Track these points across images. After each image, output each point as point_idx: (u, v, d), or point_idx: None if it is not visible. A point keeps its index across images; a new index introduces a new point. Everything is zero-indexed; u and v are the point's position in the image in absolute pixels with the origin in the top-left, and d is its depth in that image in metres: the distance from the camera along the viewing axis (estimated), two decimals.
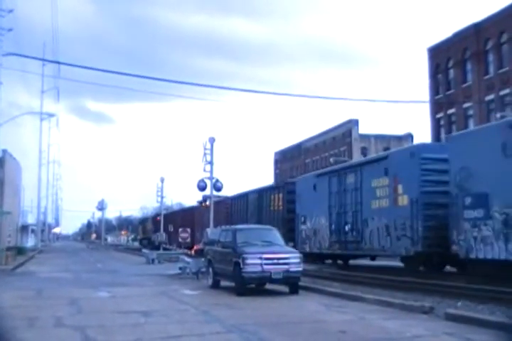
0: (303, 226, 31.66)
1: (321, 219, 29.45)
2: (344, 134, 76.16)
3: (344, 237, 27.25)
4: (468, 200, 19.32)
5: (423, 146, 24.23)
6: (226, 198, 44.53)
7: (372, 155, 59.20)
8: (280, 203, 35.06)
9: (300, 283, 18.93)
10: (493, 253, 18.13)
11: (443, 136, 46.95)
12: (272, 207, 36.14)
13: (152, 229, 76.25)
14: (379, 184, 24.47)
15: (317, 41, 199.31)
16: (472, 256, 19.10)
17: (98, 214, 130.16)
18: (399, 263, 24.93)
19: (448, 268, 23.04)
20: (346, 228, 27.12)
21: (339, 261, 30.19)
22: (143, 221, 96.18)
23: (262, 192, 38.96)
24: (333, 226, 28.37)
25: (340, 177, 28.02)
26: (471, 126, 45.65)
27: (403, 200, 22.75)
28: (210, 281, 21.34)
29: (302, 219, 31.66)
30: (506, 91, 44.28)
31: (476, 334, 10.61)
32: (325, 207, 28.77)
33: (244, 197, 41.92)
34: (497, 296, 14.56)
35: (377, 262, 30.00)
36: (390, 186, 23.74)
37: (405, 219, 22.50)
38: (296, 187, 33.03)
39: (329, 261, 30.73)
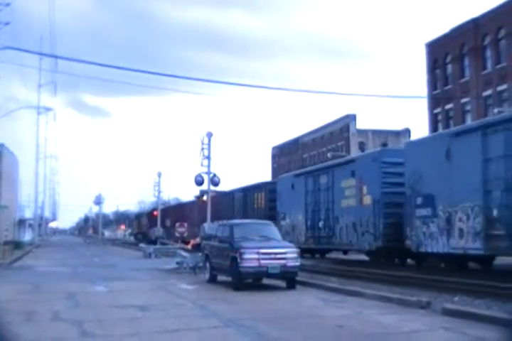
0: (283, 223, 33.25)
1: (299, 216, 31.32)
2: (342, 129, 76.09)
3: (318, 233, 29.41)
4: (419, 200, 21.56)
5: (384, 151, 26.61)
6: (216, 194, 44.80)
7: (369, 150, 59.26)
8: (263, 201, 37.56)
9: (297, 278, 18.93)
10: (438, 247, 20.44)
11: (441, 131, 46.94)
12: (256, 204, 38.76)
13: (147, 224, 77.71)
14: (347, 185, 26.69)
15: (315, 36, 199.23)
16: (422, 249, 21.43)
17: (95, 209, 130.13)
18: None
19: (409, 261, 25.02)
20: (320, 224, 29.22)
21: (317, 255, 32.15)
22: (138, 216, 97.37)
23: (246, 191, 41.44)
24: (308, 223, 30.43)
25: (315, 177, 30.16)
26: (469, 121, 45.67)
27: (367, 200, 24.98)
28: (207, 276, 21.35)
29: (282, 215, 33.59)
30: (504, 86, 44.29)
31: (473, 328, 10.63)
32: (302, 205, 30.79)
33: (230, 194, 43.54)
34: (494, 291, 14.61)
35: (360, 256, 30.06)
36: (356, 187, 25.92)
37: (369, 217, 24.68)
38: (277, 187, 35.17)
39: (308, 255, 31.23)
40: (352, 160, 27.80)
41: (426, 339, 10.19)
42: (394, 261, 25.21)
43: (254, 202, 39.33)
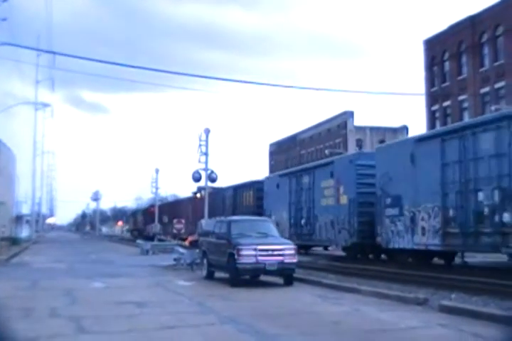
0: None
1: (283, 214, 32.91)
2: (339, 126, 76.09)
3: (300, 230, 31.08)
4: (388, 201, 23.52)
5: (359, 154, 29.03)
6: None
7: (367, 147, 59.39)
8: (251, 199, 39.38)
9: (295, 275, 18.96)
10: (404, 243, 22.45)
11: (438, 128, 46.98)
12: (245, 202, 40.50)
13: (142, 220, 79.20)
14: (327, 185, 28.48)
15: (313, 32, 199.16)
16: (391, 246, 23.44)
17: (93, 205, 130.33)
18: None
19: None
20: (302, 222, 31.07)
21: (301, 251, 32.53)
22: (134, 213, 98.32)
23: (236, 189, 43.10)
24: (292, 220, 32.24)
25: (298, 178, 32.04)
26: (466, 118, 45.71)
27: (344, 199, 26.83)
28: (204, 272, 21.37)
29: (268, 213, 34.63)
30: (501, 84, 44.34)
31: (470, 325, 10.65)
32: (286, 204, 32.63)
33: (221, 192, 44.50)
34: (491, 288, 14.65)
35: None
36: (334, 187, 27.72)
37: (345, 216, 26.59)
38: (264, 186, 37.04)
39: None
40: (331, 162, 29.49)
41: (423, 336, 10.19)
42: (368, 256, 27.20)
43: (243, 200, 41.22)
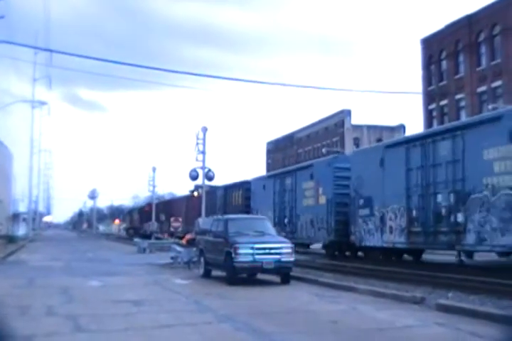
0: None
1: (268, 213, 33.57)
2: (337, 124, 76.14)
3: (283, 228, 32.07)
4: (361, 202, 25.27)
5: (336, 158, 30.55)
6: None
7: (364, 145, 59.47)
8: (240, 199, 41.16)
9: (292, 273, 18.97)
10: (375, 241, 24.24)
11: (435, 126, 47.02)
12: (234, 202, 42.17)
13: (138, 219, 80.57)
14: (307, 186, 30.28)
15: (310, 31, 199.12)
16: (363, 244, 25.21)
17: (90, 203, 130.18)
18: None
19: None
20: (285, 221, 32.84)
21: None
22: (130, 211, 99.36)
23: (227, 189, 44.80)
24: (276, 219, 33.37)
25: (282, 179, 34.03)
26: (463, 117, 45.76)
27: (322, 200, 28.56)
28: (201, 271, 21.37)
29: (255, 212, 35.92)
30: (498, 83, 44.39)
31: (467, 324, 10.66)
32: (271, 203, 34.38)
33: (213, 192, 45.53)
34: (488, 287, 14.66)
35: None
36: (314, 188, 29.51)
37: (323, 215, 28.27)
38: (251, 186, 38.89)
39: None
40: (311, 165, 31.64)
41: (420, 335, 10.19)
42: (345, 253, 28.65)
43: (232, 200, 43.04)
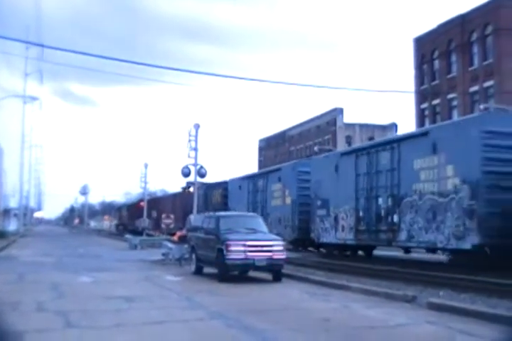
0: None
1: (243, 211, 34.57)
2: (329, 123, 76.13)
3: None
4: (319, 203, 27.95)
5: (300, 163, 33.38)
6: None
7: (356, 144, 59.60)
8: (219, 197, 43.51)
9: (283, 271, 18.99)
10: (330, 238, 26.99)
11: (427, 126, 47.11)
12: (214, 200, 44.22)
13: (127, 215, 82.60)
14: (276, 188, 33.29)
15: (303, 29, 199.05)
16: (321, 240, 28.01)
17: (81, 199, 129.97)
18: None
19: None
20: None
21: None
22: (120, 208, 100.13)
23: (208, 188, 46.65)
24: None
25: (255, 181, 36.88)
26: (455, 116, 45.85)
27: (288, 200, 31.50)
28: (193, 267, 21.37)
29: (231, 210, 36.92)
30: (490, 83, 44.50)
31: (458, 322, 10.70)
32: (245, 202, 36.86)
33: (200, 189, 47.01)
34: (477, 285, 14.72)
35: None
36: (281, 190, 32.49)
37: (289, 214, 31.15)
38: (229, 186, 41.66)
39: None
40: (279, 169, 34.58)
41: (411, 333, 10.22)
42: (308, 249, 31.17)
43: (212, 198, 45.01)
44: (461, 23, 47.42)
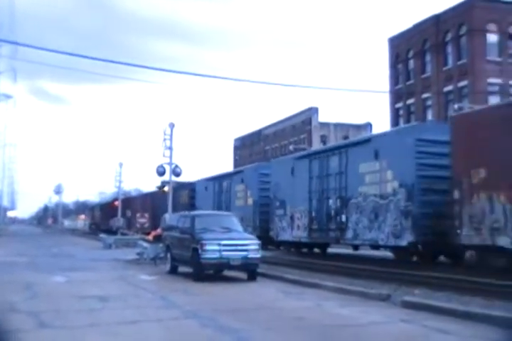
0: None
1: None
2: (304, 122, 76.28)
3: None
4: (277, 203, 29.65)
5: (260, 165, 35.64)
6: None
7: (331, 143, 59.79)
8: (186, 198, 44.98)
9: (258, 270, 18.98)
10: (287, 236, 28.67)
11: (402, 125, 47.43)
12: (182, 200, 45.26)
13: (100, 215, 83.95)
14: (239, 189, 34.86)
15: (277, 28, 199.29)
16: (279, 238, 29.55)
17: (55, 198, 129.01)
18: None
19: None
20: None
21: None
22: (92, 207, 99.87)
23: (176, 188, 47.43)
24: None
25: (220, 182, 38.50)
26: (430, 116, 46.26)
27: (250, 201, 33.12)
28: (167, 267, 21.29)
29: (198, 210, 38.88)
30: (464, 82, 44.88)
31: (432, 321, 10.75)
32: (211, 203, 38.35)
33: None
34: (451, 284, 14.81)
35: None
36: (244, 191, 34.12)
37: (250, 214, 32.51)
38: (196, 187, 43.29)
39: None
40: (242, 171, 36.65)
41: (385, 331, 10.25)
42: (267, 246, 31.15)
43: (180, 198, 45.71)
44: (436, 23, 47.78)
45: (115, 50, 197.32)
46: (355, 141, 25.74)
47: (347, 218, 23.39)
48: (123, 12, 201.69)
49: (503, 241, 16.28)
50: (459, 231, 17.80)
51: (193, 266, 18.77)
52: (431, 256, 20.72)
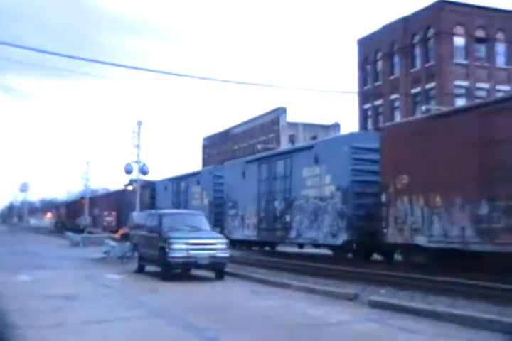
0: None
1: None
2: (272, 121, 76.46)
3: None
4: (230, 204, 31.51)
5: (215, 168, 36.79)
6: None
7: (300, 143, 60.06)
8: (147, 197, 45.40)
9: (226, 269, 18.98)
10: (238, 235, 30.09)
11: (370, 126, 47.81)
12: (144, 200, 44.97)
13: (65, 213, 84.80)
14: (195, 190, 36.75)
15: (251, 28, 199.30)
16: (231, 237, 29.40)
17: (21, 196, 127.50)
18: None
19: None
20: None
21: None
22: (59, 206, 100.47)
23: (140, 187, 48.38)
24: None
25: (178, 183, 40.29)
26: (398, 117, 46.64)
27: (206, 201, 35.08)
28: (135, 266, 21.19)
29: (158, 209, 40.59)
30: (432, 84, 45.36)
31: (398, 319, 10.85)
32: (170, 203, 39.85)
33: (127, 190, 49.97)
34: (416, 283, 14.99)
35: None
36: (200, 192, 36.07)
37: (206, 214, 31.81)
38: (156, 187, 44.83)
39: None
40: (198, 172, 38.40)
41: (352, 331, 10.31)
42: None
43: (143, 198, 46.46)
44: (404, 26, 48.20)
45: (82, 46, 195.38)
46: (298, 147, 28.41)
47: (291, 218, 25.17)
48: (93, 9, 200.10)
49: (420, 240, 18.01)
50: (385, 231, 19.47)
51: (161, 264, 18.70)
52: (365, 254, 22.51)
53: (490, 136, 15.77)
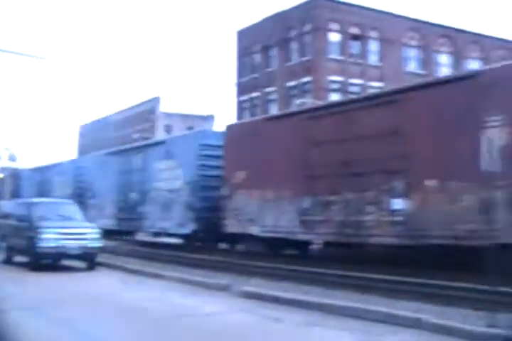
0: None
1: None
2: (149, 111, 75.71)
3: None
4: (92, 194, 32.01)
5: (78, 159, 40.02)
6: None
7: (176, 133, 59.79)
8: (11, 185, 46.06)
9: (99, 260, 18.66)
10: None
11: (246, 118, 48.14)
12: (9, 188, 46.37)
13: None
14: (58, 180, 37.13)
15: (129, 22, 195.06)
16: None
17: None
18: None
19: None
20: None
21: None
22: None
23: (5, 177, 50.00)
24: None
25: (42, 172, 40.59)
26: (273, 110, 47.20)
27: (68, 191, 34.70)
28: (2, 256, 20.40)
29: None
30: (308, 78, 46.15)
31: (270, 309, 11.02)
32: (34, 191, 39.53)
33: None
34: (290, 274, 15.25)
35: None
36: (64, 182, 36.07)
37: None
38: (20, 175, 45.23)
39: None
40: (61, 163, 39.21)
41: (224, 321, 10.36)
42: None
43: (9, 186, 47.20)
44: (282, 19, 48.71)
45: None
46: (153, 142, 30.51)
47: (146, 209, 26.34)
48: None
49: (254, 229, 19.85)
50: (225, 221, 21.12)
51: (30, 255, 18.14)
52: (212, 243, 24.04)
53: (311, 139, 17.77)
